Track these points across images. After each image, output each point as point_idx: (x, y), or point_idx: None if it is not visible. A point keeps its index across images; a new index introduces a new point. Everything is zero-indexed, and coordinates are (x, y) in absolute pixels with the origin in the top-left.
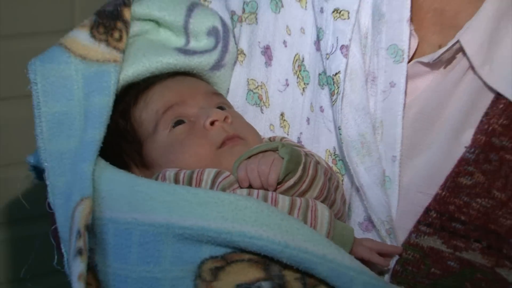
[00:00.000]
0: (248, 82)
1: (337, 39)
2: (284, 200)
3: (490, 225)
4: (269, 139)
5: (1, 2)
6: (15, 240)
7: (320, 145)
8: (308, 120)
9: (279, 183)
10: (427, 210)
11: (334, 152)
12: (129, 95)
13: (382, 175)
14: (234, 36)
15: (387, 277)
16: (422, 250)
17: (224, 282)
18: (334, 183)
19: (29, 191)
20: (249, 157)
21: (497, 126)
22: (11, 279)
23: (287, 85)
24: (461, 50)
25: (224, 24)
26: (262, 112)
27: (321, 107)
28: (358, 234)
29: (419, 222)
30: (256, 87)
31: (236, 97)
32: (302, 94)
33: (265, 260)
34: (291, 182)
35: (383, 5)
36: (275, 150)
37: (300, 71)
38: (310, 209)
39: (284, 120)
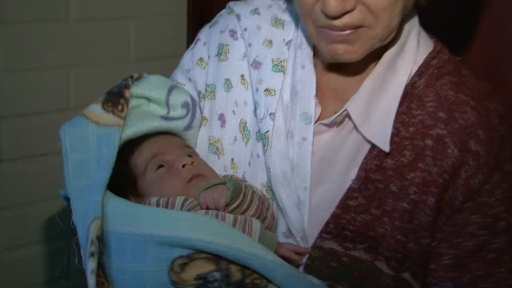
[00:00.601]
0: (209, 138)
1: (267, 109)
2: (229, 217)
3: (369, 232)
4: (223, 176)
5: None
6: (53, 250)
7: (257, 180)
8: (249, 163)
9: (227, 205)
10: (327, 223)
11: (267, 184)
12: (128, 148)
13: (298, 200)
14: (200, 107)
15: (301, 269)
16: (324, 250)
17: (188, 273)
18: (266, 205)
19: (62, 213)
20: (207, 188)
21: (372, 166)
22: (48, 279)
23: (236, 140)
24: (348, 115)
25: (193, 99)
26: (219, 158)
27: (257, 154)
28: (282, 239)
29: (322, 231)
30: (214, 142)
31: (201, 148)
32: (245, 146)
33: (216, 257)
34: (235, 205)
35: (297, 86)
36: (224, 183)
37: (244, 130)
38: (247, 223)
39: (234, 163)
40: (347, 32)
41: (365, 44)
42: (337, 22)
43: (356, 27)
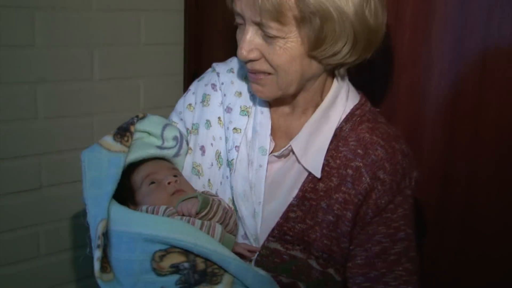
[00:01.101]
0: (193, 163)
1: (234, 142)
2: (198, 222)
3: (304, 237)
4: (202, 192)
5: None
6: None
7: (226, 196)
8: (221, 183)
9: (197, 213)
10: (273, 229)
11: (232, 199)
12: (130, 168)
13: (254, 211)
14: (186, 140)
15: (253, 263)
16: (270, 249)
17: (165, 262)
18: (229, 214)
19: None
20: (184, 200)
21: (308, 188)
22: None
23: (212, 165)
24: (292, 150)
25: (181, 134)
26: (199, 179)
27: (226, 176)
28: (240, 240)
29: (269, 235)
30: (196, 166)
31: (187, 171)
32: (219, 170)
33: (186, 252)
34: (203, 213)
35: (257, 126)
36: (196, 197)
37: (218, 158)
38: (211, 227)
39: (210, 183)
40: (259, 76)
41: (272, 89)
42: (249, 66)
43: (265, 73)
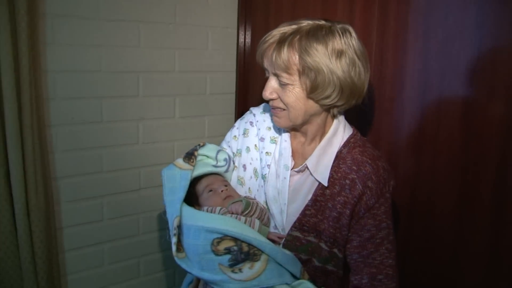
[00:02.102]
0: (238, 177)
1: (266, 162)
2: (243, 219)
3: (317, 228)
4: (245, 196)
5: None
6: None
7: (261, 199)
8: (257, 190)
9: (242, 212)
10: (295, 222)
11: (265, 201)
12: (195, 181)
13: (281, 210)
14: (233, 161)
15: (281, 246)
16: (293, 236)
17: (220, 246)
18: (264, 212)
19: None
20: (233, 203)
21: (319, 193)
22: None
23: (251, 178)
24: (307, 167)
25: (229, 156)
26: (242, 187)
27: (261, 185)
28: (271, 230)
29: (292, 226)
30: (240, 178)
31: (233, 182)
32: (256, 181)
33: (235, 239)
34: (246, 212)
35: (282, 150)
36: (241, 201)
37: (255, 173)
38: (252, 221)
39: (250, 190)
40: (277, 110)
41: (285, 120)
42: (270, 103)
43: (281, 109)
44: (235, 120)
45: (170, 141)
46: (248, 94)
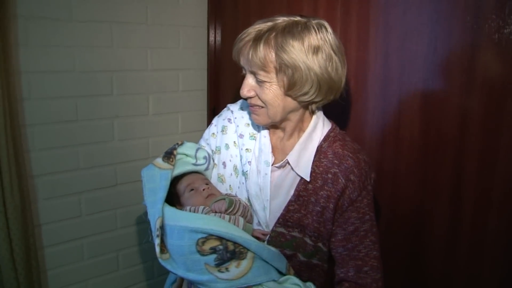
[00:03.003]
0: (218, 174)
1: (247, 159)
2: (227, 217)
3: (300, 223)
4: (225, 194)
5: None
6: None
7: (242, 196)
8: (238, 187)
9: (225, 211)
10: (279, 218)
11: (247, 198)
12: (175, 180)
13: (263, 206)
14: (213, 158)
15: (265, 242)
16: (277, 232)
17: (206, 246)
18: (247, 209)
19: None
20: (215, 201)
21: (301, 188)
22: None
23: (231, 175)
24: (288, 162)
25: (209, 154)
26: (223, 185)
27: (242, 182)
28: (255, 227)
29: (276, 223)
30: (220, 176)
31: (214, 179)
32: (236, 178)
33: (220, 238)
34: (229, 210)
35: (262, 147)
36: (224, 199)
37: (235, 170)
38: (236, 219)
39: (231, 188)
40: (255, 108)
41: (264, 117)
42: (248, 101)
43: (259, 107)
44: (207, 116)
45: (144, 137)
46: (219, 91)
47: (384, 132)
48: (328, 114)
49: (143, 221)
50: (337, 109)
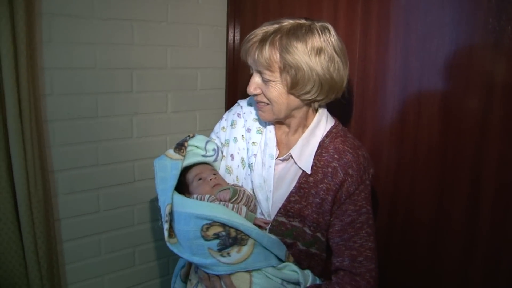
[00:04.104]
0: (226, 166)
1: (252, 152)
2: (230, 206)
3: (301, 213)
4: (231, 185)
5: None
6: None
7: (248, 186)
8: (245, 178)
9: (230, 200)
10: (280, 209)
11: (252, 189)
12: (185, 170)
13: (267, 197)
14: (221, 151)
15: (267, 231)
16: (278, 222)
17: (209, 232)
18: (251, 199)
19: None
20: (221, 191)
21: (302, 180)
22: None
23: (238, 167)
24: (291, 156)
25: (218, 146)
26: (230, 176)
27: (248, 174)
28: (258, 216)
29: (277, 212)
30: (228, 167)
31: (222, 171)
32: (243, 169)
33: (223, 225)
34: (233, 199)
35: (267, 140)
36: (228, 188)
37: (242, 162)
38: (239, 208)
39: (238, 179)
40: (261, 105)
41: (269, 114)
42: (255, 98)
43: (265, 104)
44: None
45: (162, 135)
46: (237, 90)
47: (403, 132)
48: (346, 114)
49: (159, 218)
50: (356, 108)
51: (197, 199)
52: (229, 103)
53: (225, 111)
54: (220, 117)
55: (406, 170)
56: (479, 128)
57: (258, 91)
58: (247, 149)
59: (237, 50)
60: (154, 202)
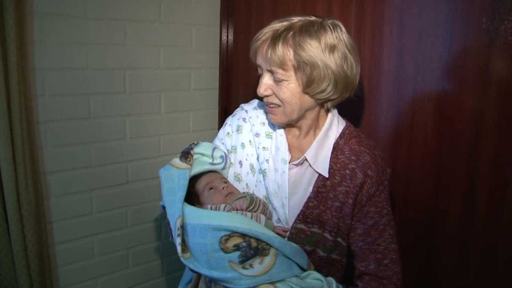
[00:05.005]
0: (234, 173)
1: (264, 157)
2: (248, 214)
3: (320, 219)
4: (243, 193)
5: None
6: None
7: (260, 194)
8: (256, 185)
9: (247, 208)
10: (298, 215)
11: (266, 196)
12: (193, 180)
13: (282, 203)
14: (229, 158)
15: (286, 239)
16: (297, 229)
17: (229, 243)
18: (266, 207)
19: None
20: (236, 199)
21: (320, 184)
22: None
23: (248, 174)
24: (306, 159)
25: (225, 154)
26: (239, 183)
27: (260, 181)
28: (276, 224)
29: (296, 219)
30: (237, 175)
31: (231, 178)
32: (253, 176)
33: (243, 235)
34: (250, 208)
35: (278, 145)
36: (245, 196)
37: (251, 169)
38: (258, 216)
39: (248, 186)
40: (272, 107)
41: (281, 116)
42: (265, 100)
43: (276, 105)
44: (219, 115)
45: (156, 135)
46: (231, 90)
47: (397, 132)
48: (341, 114)
49: (153, 219)
50: (351, 108)
51: (211, 209)
52: (223, 103)
53: (219, 111)
54: (213, 118)
55: (401, 170)
56: (474, 128)
57: (269, 92)
58: (258, 154)
59: (231, 50)
60: (159, 218)
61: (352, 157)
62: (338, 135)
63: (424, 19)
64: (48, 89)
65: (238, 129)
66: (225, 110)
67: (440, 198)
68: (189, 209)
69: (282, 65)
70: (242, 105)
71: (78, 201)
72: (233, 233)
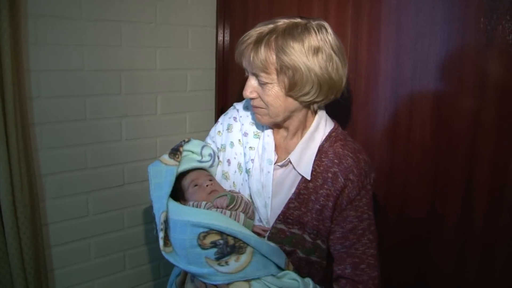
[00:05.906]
0: (222, 171)
1: (250, 157)
2: (228, 212)
3: (300, 220)
4: (228, 191)
5: None
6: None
7: (245, 192)
8: (242, 184)
9: (227, 206)
10: (279, 215)
11: (250, 195)
12: (180, 176)
13: (265, 203)
14: (218, 156)
15: (265, 238)
16: (277, 229)
17: (207, 240)
18: (249, 206)
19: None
20: (218, 197)
21: (302, 186)
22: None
23: (235, 172)
24: (290, 161)
25: (214, 151)
26: (227, 182)
27: (246, 180)
28: (256, 223)
29: (276, 219)
30: (225, 173)
31: (218, 176)
32: (240, 175)
33: (220, 232)
34: (231, 206)
35: (265, 145)
36: (226, 195)
37: (239, 167)
38: (237, 215)
39: (234, 184)
40: (258, 109)
41: (266, 118)
42: (251, 102)
43: (262, 107)
44: (215, 116)
45: (152, 137)
46: (227, 91)
47: (395, 133)
48: (339, 114)
49: (150, 221)
50: (348, 109)
51: (193, 206)
52: (219, 105)
53: (215, 112)
54: (210, 119)
55: (398, 171)
56: (472, 128)
57: (254, 95)
58: (244, 154)
59: (227, 51)
60: (150, 210)
61: (335, 160)
62: (324, 137)
63: (421, 19)
64: (44, 91)
65: (228, 128)
66: (222, 111)
67: (438, 199)
68: (173, 204)
69: (265, 69)
70: (235, 104)
71: (74, 203)
72: (211, 231)
